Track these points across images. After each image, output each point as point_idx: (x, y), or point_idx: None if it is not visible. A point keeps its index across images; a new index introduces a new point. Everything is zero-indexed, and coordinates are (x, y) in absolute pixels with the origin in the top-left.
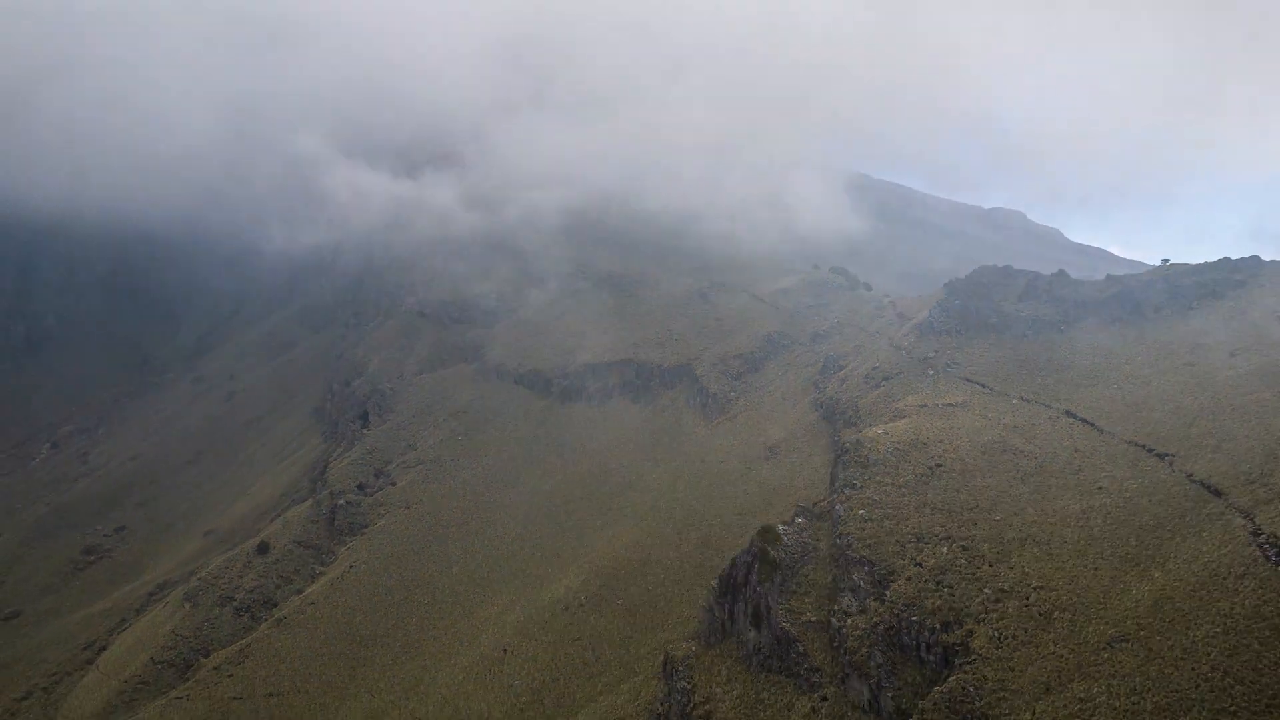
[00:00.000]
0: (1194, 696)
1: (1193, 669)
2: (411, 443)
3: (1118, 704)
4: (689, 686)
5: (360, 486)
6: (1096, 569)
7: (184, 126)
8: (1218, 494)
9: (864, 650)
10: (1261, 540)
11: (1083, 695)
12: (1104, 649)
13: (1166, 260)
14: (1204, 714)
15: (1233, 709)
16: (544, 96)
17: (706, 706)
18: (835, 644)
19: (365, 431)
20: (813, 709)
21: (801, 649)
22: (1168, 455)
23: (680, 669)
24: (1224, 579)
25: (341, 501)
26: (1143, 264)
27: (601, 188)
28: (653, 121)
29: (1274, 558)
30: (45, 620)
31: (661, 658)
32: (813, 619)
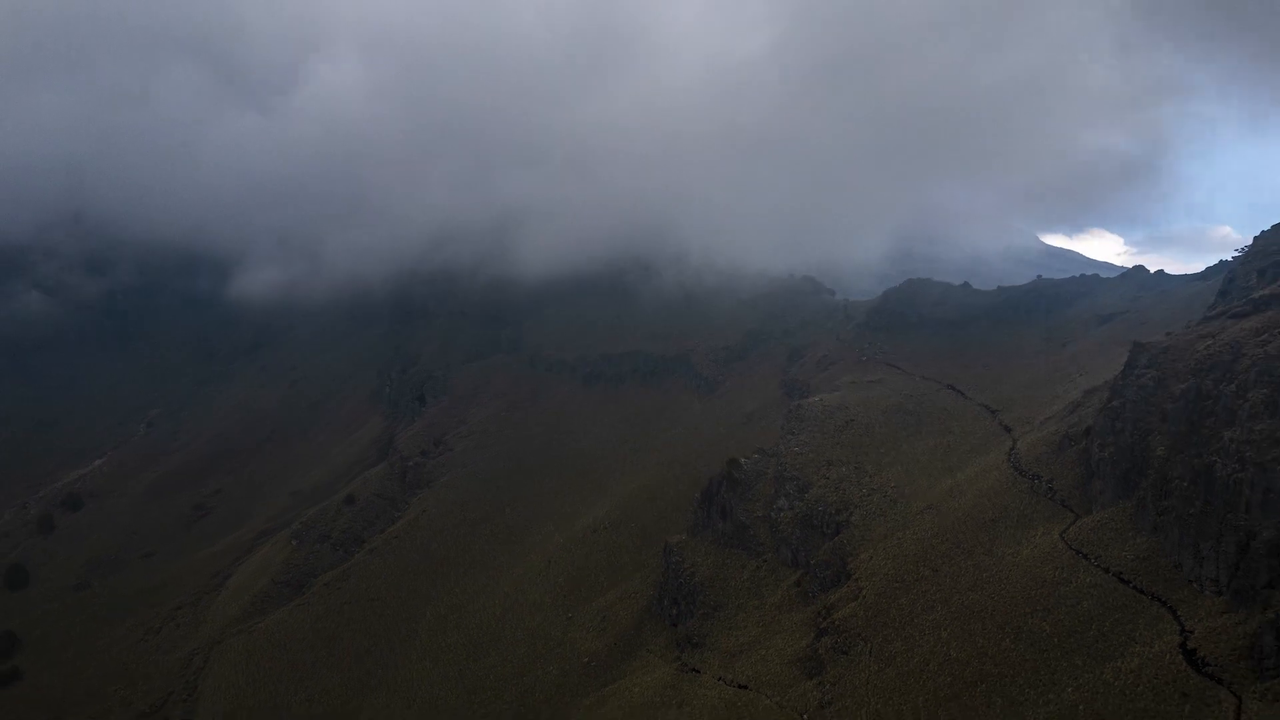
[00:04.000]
0: (953, 527)
1: (956, 515)
2: (463, 418)
3: (918, 536)
4: (680, 560)
5: (423, 452)
6: (929, 474)
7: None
8: (1008, 430)
9: (790, 530)
10: (1012, 451)
11: (900, 537)
12: (918, 514)
13: (1040, 276)
14: (954, 536)
15: (971, 534)
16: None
17: (691, 570)
18: (773, 528)
19: (423, 410)
20: (757, 567)
21: (752, 533)
22: (997, 412)
23: (674, 550)
24: (986, 472)
25: (410, 463)
26: (1112, 265)
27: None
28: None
29: (1013, 461)
30: (175, 558)
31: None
32: (760, 514)
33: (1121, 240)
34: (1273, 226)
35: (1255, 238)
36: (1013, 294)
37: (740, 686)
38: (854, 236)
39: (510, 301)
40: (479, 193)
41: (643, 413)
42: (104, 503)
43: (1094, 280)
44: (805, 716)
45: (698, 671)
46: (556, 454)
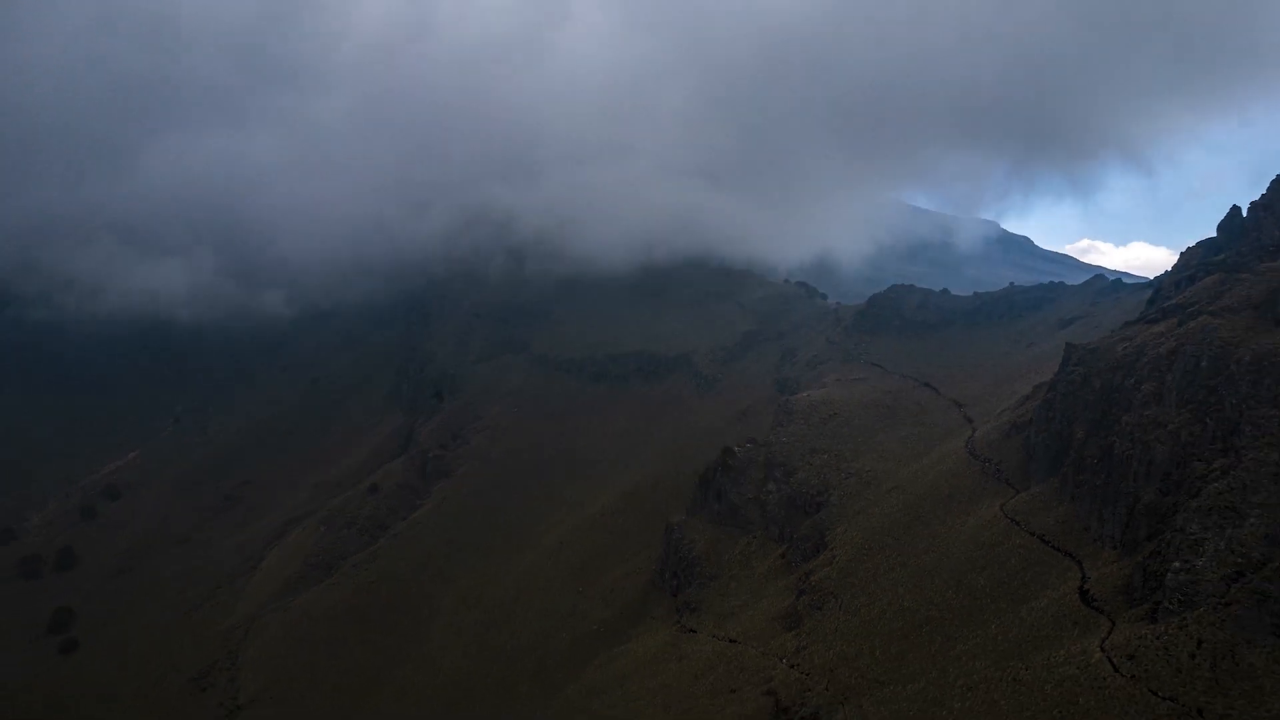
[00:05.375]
0: (915, 504)
1: (918, 493)
2: (478, 414)
3: (883, 510)
4: (680, 537)
5: (442, 445)
6: (899, 460)
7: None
8: (970, 421)
9: (777, 510)
10: (970, 439)
11: (871, 513)
12: (887, 493)
13: (1012, 283)
14: (915, 510)
15: (929, 508)
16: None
17: (690, 546)
18: (762, 508)
19: (441, 406)
20: (748, 542)
21: (744, 512)
22: (964, 405)
23: (675, 529)
24: (946, 457)
25: (430, 455)
26: (1101, 268)
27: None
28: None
29: (970, 448)
30: (208, 543)
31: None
32: (751, 496)
33: (1167, 251)
34: (1197, 243)
35: (1181, 253)
36: (986, 300)
37: (731, 641)
38: (851, 240)
39: (521, 304)
40: (489, 202)
41: (646, 408)
42: (139, 493)
43: (1059, 287)
44: (784, 660)
45: (694, 631)
46: (566, 446)
